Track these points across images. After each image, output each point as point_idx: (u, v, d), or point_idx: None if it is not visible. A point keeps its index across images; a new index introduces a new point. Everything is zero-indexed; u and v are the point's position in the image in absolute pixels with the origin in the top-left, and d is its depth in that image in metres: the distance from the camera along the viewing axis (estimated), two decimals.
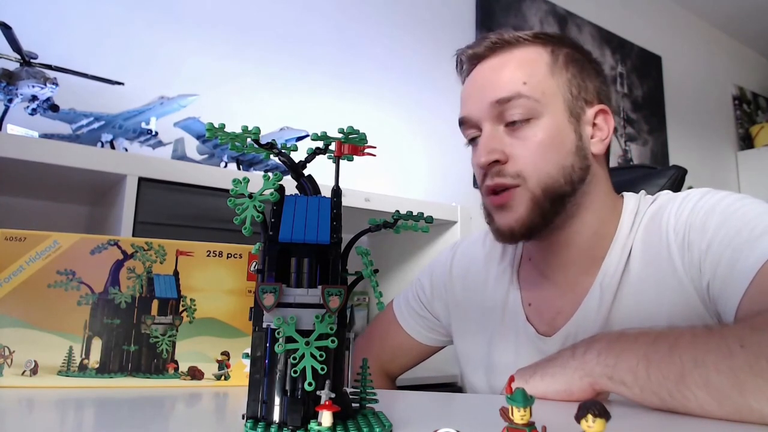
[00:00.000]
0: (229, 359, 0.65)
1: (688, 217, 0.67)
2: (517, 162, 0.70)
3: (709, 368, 0.46)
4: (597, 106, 0.74)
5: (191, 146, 1.37)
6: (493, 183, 0.71)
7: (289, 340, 0.39)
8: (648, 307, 0.67)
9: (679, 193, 0.73)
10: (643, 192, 0.78)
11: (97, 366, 0.61)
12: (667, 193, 0.75)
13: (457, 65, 0.80)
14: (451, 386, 1.42)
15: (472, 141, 0.76)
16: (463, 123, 0.76)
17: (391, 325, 0.94)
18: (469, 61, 0.77)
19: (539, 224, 0.70)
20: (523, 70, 0.71)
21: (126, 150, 1.22)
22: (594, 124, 0.74)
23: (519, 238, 0.72)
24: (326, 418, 0.36)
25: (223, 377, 0.64)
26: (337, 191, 0.46)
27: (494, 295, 0.83)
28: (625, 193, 0.78)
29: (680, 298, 0.65)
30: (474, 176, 2.17)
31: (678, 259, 0.66)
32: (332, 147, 0.47)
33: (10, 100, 1.08)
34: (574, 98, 0.72)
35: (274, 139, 0.48)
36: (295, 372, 0.38)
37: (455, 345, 0.90)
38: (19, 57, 1.09)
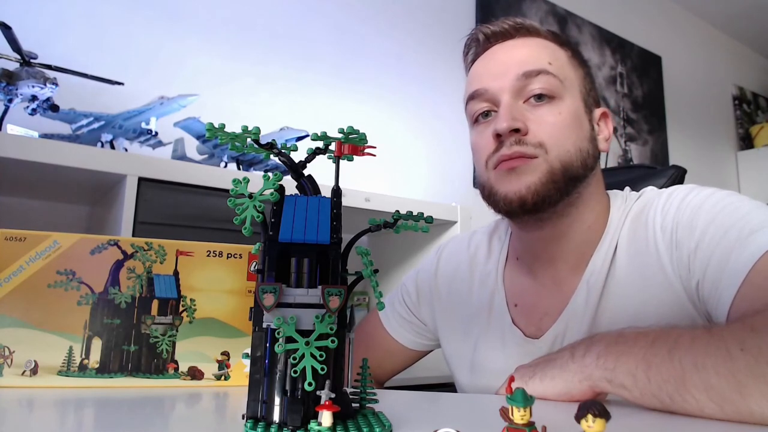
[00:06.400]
0: (229, 359, 0.65)
1: (675, 214, 0.67)
2: (538, 134, 0.68)
3: (709, 371, 0.46)
4: (601, 108, 0.77)
5: (191, 146, 1.37)
6: (510, 151, 0.68)
7: (289, 340, 0.39)
8: (635, 305, 0.67)
9: (664, 189, 0.73)
10: (627, 188, 0.79)
11: (97, 366, 0.61)
12: (652, 189, 0.75)
13: (468, 44, 0.79)
14: (451, 386, 1.41)
15: (484, 116, 0.73)
16: (476, 97, 0.73)
17: (377, 331, 0.92)
18: (486, 40, 0.76)
19: (552, 198, 0.68)
20: (548, 53, 0.73)
21: (126, 150, 1.22)
22: (598, 125, 0.76)
23: (528, 207, 0.68)
24: (326, 418, 0.36)
25: (223, 377, 0.64)
26: (337, 191, 0.46)
27: (479, 298, 0.82)
28: (610, 191, 0.78)
29: (668, 296, 0.65)
30: (474, 175, 2.18)
31: (666, 257, 0.66)
32: (332, 147, 0.47)
33: (10, 100, 1.08)
34: (587, 92, 0.75)
35: (274, 139, 0.48)
36: (295, 372, 0.38)
37: (443, 348, 0.89)
38: (19, 57, 1.09)
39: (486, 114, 0.73)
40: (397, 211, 0.47)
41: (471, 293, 0.84)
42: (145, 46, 1.54)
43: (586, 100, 0.74)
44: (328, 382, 0.37)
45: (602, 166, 0.80)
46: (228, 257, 0.67)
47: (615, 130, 2.85)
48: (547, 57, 0.71)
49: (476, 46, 0.77)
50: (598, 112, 0.76)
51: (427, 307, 0.90)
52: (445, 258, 0.91)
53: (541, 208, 0.68)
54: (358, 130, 0.46)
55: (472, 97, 0.74)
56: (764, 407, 0.43)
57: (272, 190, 0.43)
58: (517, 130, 0.68)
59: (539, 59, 0.71)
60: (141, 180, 1.06)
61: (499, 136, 0.69)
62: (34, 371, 0.59)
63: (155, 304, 0.64)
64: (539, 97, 0.69)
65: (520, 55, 0.72)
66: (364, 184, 1.42)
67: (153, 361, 0.63)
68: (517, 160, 0.68)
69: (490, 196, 0.73)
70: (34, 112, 1.11)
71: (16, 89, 1.07)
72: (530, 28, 0.75)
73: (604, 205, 0.76)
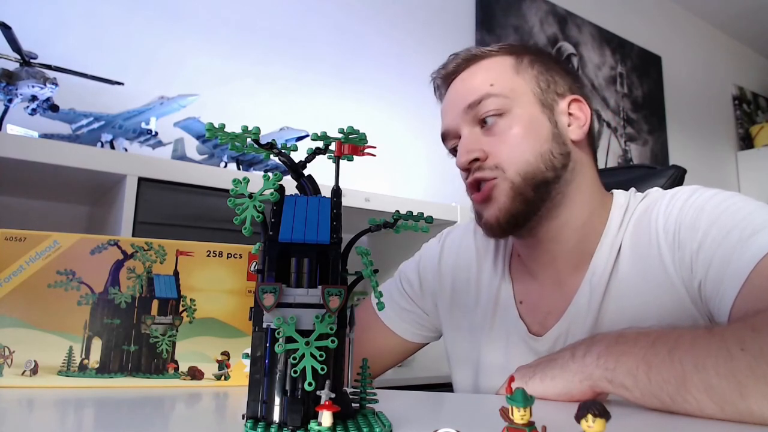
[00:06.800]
0: (229, 359, 0.65)
1: (678, 215, 0.67)
2: (496, 156, 0.71)
3: (710, 372, 0.46)
4: (570, 96, 0.76)
5: (191, 146, 1.37)
6: (472, 177, 0.73)
7: (289, 340, 0.39)
8: (637, 305, 0.67)
9: (668, 190, 0.73)
10: (633, 189, 0.78)
11: (97, 366, 0.61)
12: (657, 190, 0.75)
13: (435, 91, 0.84)
14: (451, 386, 1.42)
15: (454, 151, 0.78)
16: (446, 137, 0.79)
17: (372, 323, 0.88)
18: (444, 82, 0.81)
19: (524, 212, 0.71)
20: (490, 74, 0.75)
21: (126, 150, 1.22)
22: (570, 114, 0.75)
23: (507, 229, 0.72)
24: (326, 418, 0.36)
25: (223, 377, 0.64)
26: (337, 191, 0.46)
27: (487, 290, 0.82)
28: (614, 191, 0.78)
29: (670, 296, 0.65)
30: None
31: (668, 258, 0.66)
32: (332, 147, 0.47)
33: (10, 100, 1.08)
34: (543, 91, 0.75)
35: (274, 139, 0.48)
36: (295, 372, 0.38)
37: (445, 342, 0.88)
38: (18, 57, 1.09)
39: (455, 149, 0.77)
40: (397, 211, 0.47)
41: (478, 283, 0.83)
42: (145, 46, 1.54)
43: (542, 99, 0.74)
44: (328, 382, 0.37)
45: (602, 166, 0.80)
46: (228, 257, 0.67)
47: (621, 135, 2.86)
48: (489, 79, 0.74)
49: (439, 88, 0.83)
50: (564, 102, 0.75)
51: (430, 297, 0.88)
52: (449, 246, 0.90)
53: (519, 223, 0.72)
54: (358, 130, 0.46)
55: (443, 138, 0.80)
56: (764, 408, 0.43)
57: (272, 190, 0.43)
58: (476, 159, 0.72)
59: (481, 86, 0.74)
60: (141, 180, 1.06)
61: (466, 169, 0.73)
62: (34, 371, 0.59)
63: (155, 304, 0.64)
64: (489, 119, 0.72)
65: (465, 88, 0.76)
66: (364, 184, 1.42)
67: (153, 361, 0.63)
68: (482, 191, 0.72)
69: (478, 221, 0.77)
70: (34, 112, 1.11)
71: (16, 89, 1.07)
72: (477, 54, 0.78)
73: (600, 202, 0.75)
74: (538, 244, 0.75)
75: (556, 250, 0.74)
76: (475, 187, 0.73)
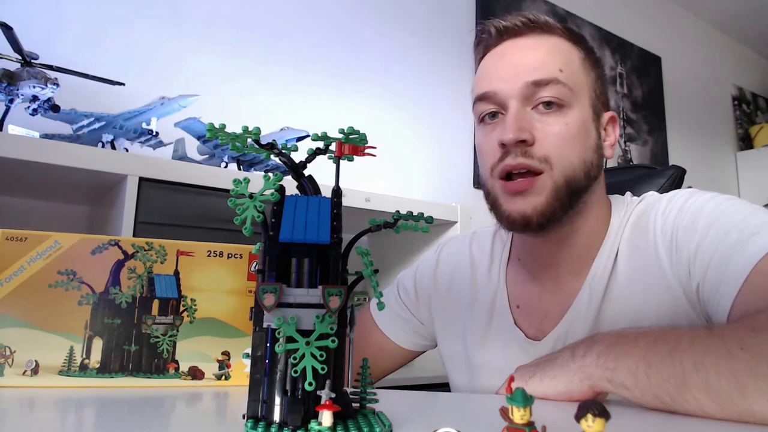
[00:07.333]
0: (229, 359, 0.65)
1: (675, 217, 0.67)
2: (544, 146, 0.67)
3: (710, 371, 0.46)
4: (610, 112, 0.75)
5: (192, 146, 1.37)
6: (516, 163, 0.67)
7: (290, 340, 0.39)
8: (635, 308, 0.67)
9: (665, 193, 0.73)
10: (628, 193, 0.78)
11: (97, 366, 0.61)
12: (652, 194, 0.75)
13: (478, 36, 0.76)
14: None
15: (491, 117, 0.71)
16: (484, 99, 0.71)
17: (370, 330, 0.90)
18: (498, 35, 0.73)
19: (557, 215, 0.67)
20: (560, 57, 0.70)
21: (127, 150, 1.22)
22: (605, 129, 0.74)
23: (533, 227, 0.68)
24: (326, 417, 0.36)
25: (223, 377, 0.64)
26: (337, 191, 0.46)
27: (481, 298, 0.82)
28: (611, 196, 0.78)
29: (667, 298, 0.65)
30: (474, 175, 2.18)
31: (666, 260, 0.66)
32: (332, 147, 0.47)
33: (11, 101, 1.08)
34: (597, 98, 0.73)
35: (274, 140, 0.48)
36: (296, 372, 0.38)
37: (439, 348, 0.88)
38: (20, 57, 1.09)
39: (493, 115, 0.71)
40: (397, 211, 0.47)
41: (472, 292, 0.83)
42: (145, 47, 1.54)
43: (595, 105, 0.72)
44: (328, 381, 0.37)
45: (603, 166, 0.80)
46: (228, 257, 0.67)
47: (622, 136, 2.85)
48: (559, 62, 0.69)
49: (488, 39, 0.74)
50: (606, 116, 0.74)
51: (425, 305, 0.89)
52: (445, 256, 0.90)
53: (545, 227, 0.68)
54: (359, 131, 0.47)
55: (480, 99, 0.72)
56: (764, 407, 0.43)
57: (273, 190, 0.43)
58: (523, 141, 0.66)
59: (550, 66, 0.68)
60: (142, 180, 1.06)
61: (504, 145, 0.67)
62: (35, 371, 0.59)
63: (156, 304, 0.64)
64: (548, 104, 0.68)
65: (532, 60, 0.69)
66: (364, 184, 1.42)
67: (154, 360, 0.63)
68: (521, 182, 0.67)
69: (494, 207, 0.72)
70: (35, 112, 1.11)
71: (17, 89, 1.07)
72: (544, 26, 0.72)
73: (605, 209, 0.75)
74: (546, 244, 0.74)
75: (560, 253, 0.74)
76: (510, 171, 0.68)
